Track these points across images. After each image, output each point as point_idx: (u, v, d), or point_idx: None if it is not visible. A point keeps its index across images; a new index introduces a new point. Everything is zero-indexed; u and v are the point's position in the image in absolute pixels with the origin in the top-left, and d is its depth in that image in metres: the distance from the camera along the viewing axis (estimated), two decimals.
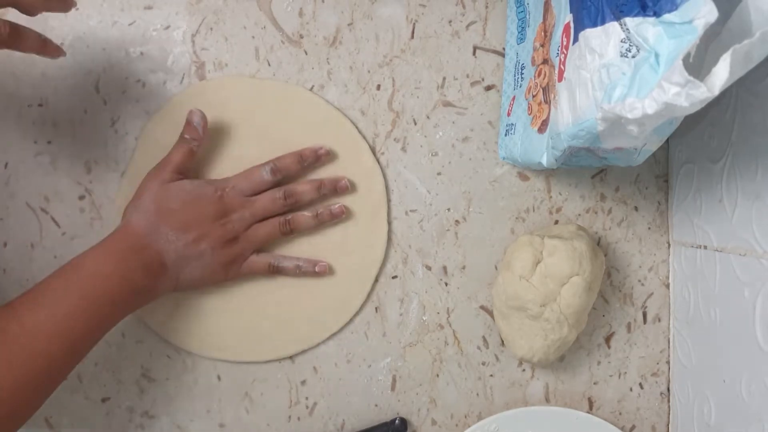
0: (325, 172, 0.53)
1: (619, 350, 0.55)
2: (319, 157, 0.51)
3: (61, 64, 0.52)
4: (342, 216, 0.51)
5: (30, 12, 0.40)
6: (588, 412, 0.54)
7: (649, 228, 0.55)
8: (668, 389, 0.55)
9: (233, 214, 0.48)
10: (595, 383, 0.55)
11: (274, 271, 0.51)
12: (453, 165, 0.54)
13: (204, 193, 0.48)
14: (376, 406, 0.54)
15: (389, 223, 0.54)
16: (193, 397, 0.53)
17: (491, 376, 0.54)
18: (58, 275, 0.43)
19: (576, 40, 0.37)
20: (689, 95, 0.29)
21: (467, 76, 0.54)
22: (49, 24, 0.52)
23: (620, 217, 0.55)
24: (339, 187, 0.51)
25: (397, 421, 0.53)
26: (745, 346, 0.43)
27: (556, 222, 0.55)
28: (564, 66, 0.39)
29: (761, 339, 0.41)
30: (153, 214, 0.46)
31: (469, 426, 0.53)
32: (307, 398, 0.54)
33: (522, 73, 0.50)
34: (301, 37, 0.54)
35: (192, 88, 0.53)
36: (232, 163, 0.52)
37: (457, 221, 0.54)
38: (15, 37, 0.40)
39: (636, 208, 0.55)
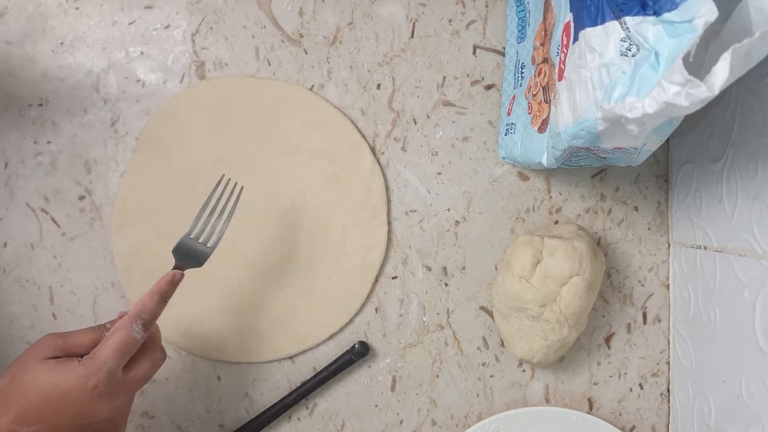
0: (323, 172, 0.53)
1: (619, 351, 0.55)
2: (176, 284, 0.44)
3: (60, 64, 0.52)
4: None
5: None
6: (588, 413, 0.54)
7: (649, 228, 0.55)
8: (668, 390, 0.55)
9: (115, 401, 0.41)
10: (595, 384, 0.55)
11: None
12: (453, 165, 0.54)
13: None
14: (376, 406, 0.54)
15: (389, 223, 0.54)
16: (193, 397, 0.53)
17: (491, 376, 0.54)
18: None
19: (576, 39, 0.37)
20: (689, 94, 0.29)
21: (467, 75, 0.54)
22: (49, 24, 0.52)
23: (620, 217, 0.55)
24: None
25: (356, 346, 0.53)
26: (745, 347, 0.43)
27: (556, 222, 0.55)
28: (564, 65, 0.39)
29: (761, 339, 0.41)
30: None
31: (469, 426, 0.53)
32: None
33: (522, 72, 0.50)
34: (301, 36, 0.54)
35: (192, 88, 0.53)
36: (232, 163, 0.52)
37: (457, 221, 0.54)
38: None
39: (636, 208, 0.55)
